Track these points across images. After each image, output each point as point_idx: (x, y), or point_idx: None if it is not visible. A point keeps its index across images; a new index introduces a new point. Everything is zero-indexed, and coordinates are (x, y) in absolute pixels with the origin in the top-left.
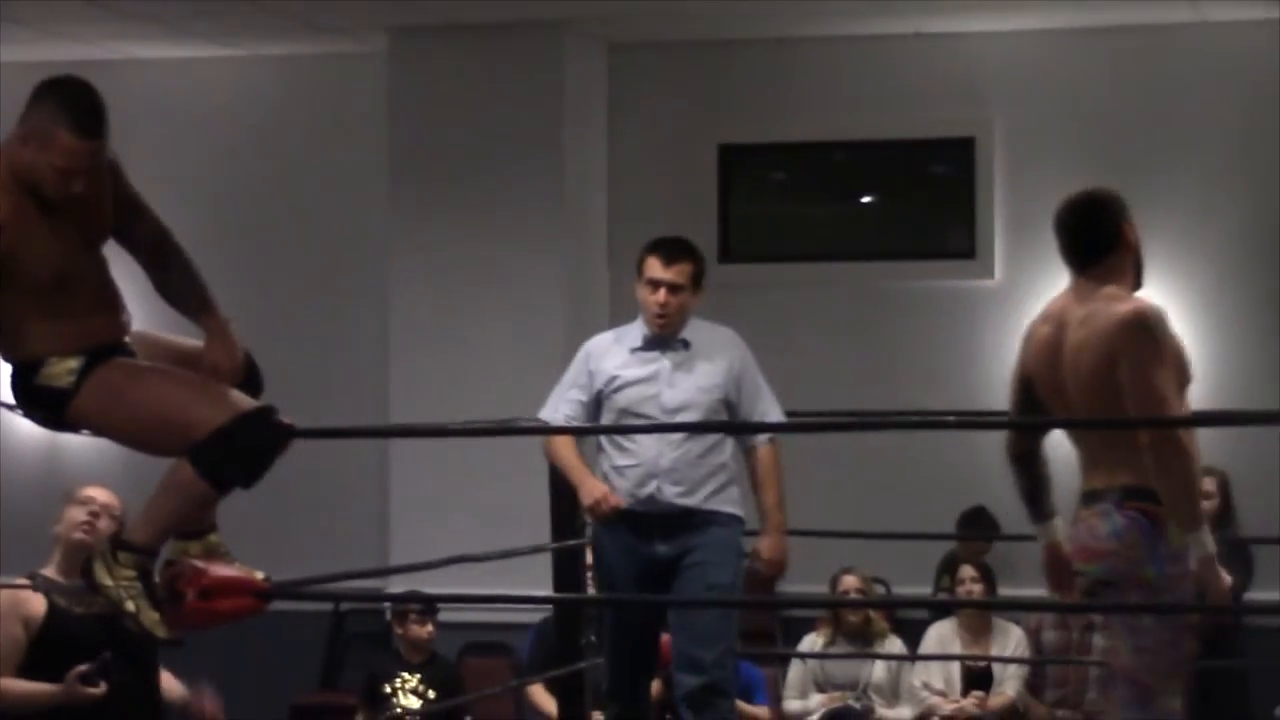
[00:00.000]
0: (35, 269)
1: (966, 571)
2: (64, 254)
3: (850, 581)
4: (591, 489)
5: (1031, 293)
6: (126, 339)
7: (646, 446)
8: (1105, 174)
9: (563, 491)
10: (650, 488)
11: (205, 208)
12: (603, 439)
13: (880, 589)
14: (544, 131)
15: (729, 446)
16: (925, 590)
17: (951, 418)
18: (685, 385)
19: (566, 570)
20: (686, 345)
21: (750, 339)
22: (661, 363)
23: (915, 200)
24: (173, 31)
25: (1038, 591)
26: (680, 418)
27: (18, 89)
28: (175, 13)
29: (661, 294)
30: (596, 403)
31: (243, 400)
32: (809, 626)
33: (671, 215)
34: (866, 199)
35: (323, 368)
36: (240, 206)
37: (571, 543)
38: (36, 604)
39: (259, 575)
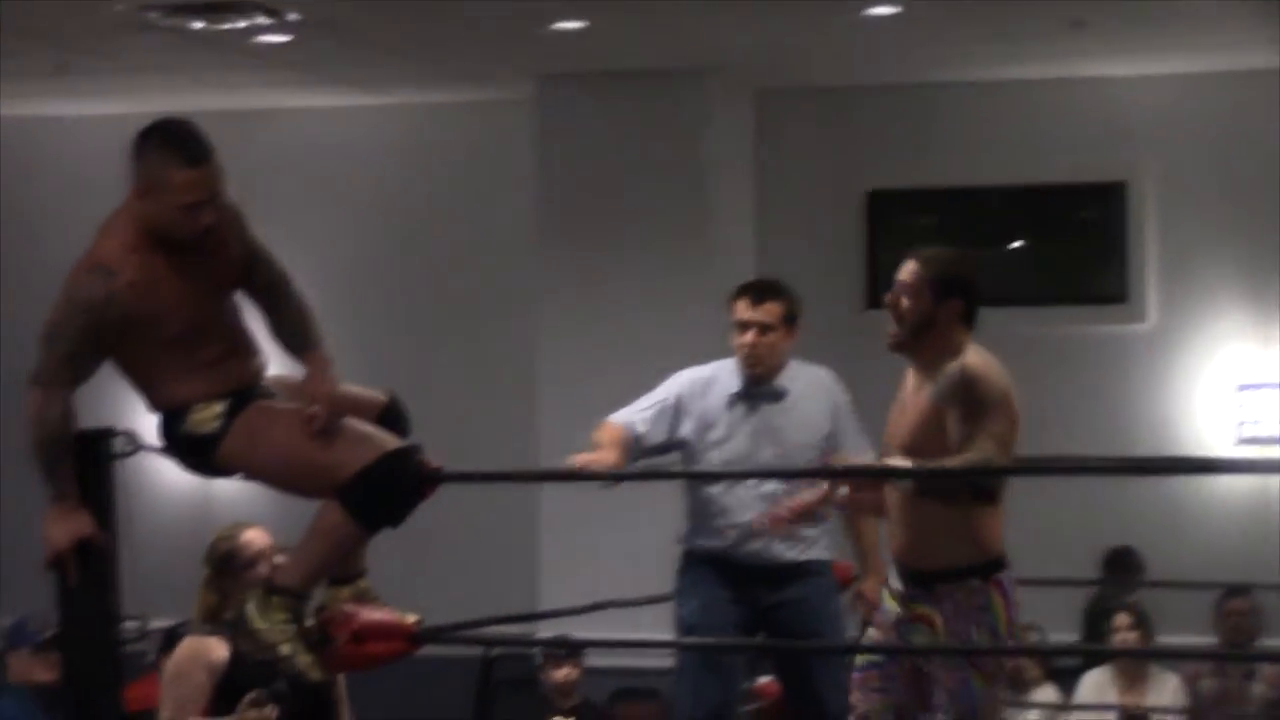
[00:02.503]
0: (169, 321)
1: (1122, 620)
2: (196, 304)
3: None
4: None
5: (1185, 337)
6: (264, 382)
7: (747, 505)
8: (1258, 217)
9: None
10: (756, 546)
11: (352, 253)
12: (690, 497)
13: (1034, 635)
14: (691, 178)
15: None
16: (1077, 636)
17: (1103, 463)
18: (785, 444)
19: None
20: (782, 395)
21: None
22: (758, 417)
23: (1065, 245)
24: (319, 80)
25: (1195, 638)
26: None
27: None
28: (320, 61)
29: (750, 335)
30: (671, 443)
31: (388, 439)
32: None
33: (819, 261)
34: (1016, 244)
35: (472, 412)
36: (388, 252)
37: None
38: (220, 650)
39: (410, 618)
